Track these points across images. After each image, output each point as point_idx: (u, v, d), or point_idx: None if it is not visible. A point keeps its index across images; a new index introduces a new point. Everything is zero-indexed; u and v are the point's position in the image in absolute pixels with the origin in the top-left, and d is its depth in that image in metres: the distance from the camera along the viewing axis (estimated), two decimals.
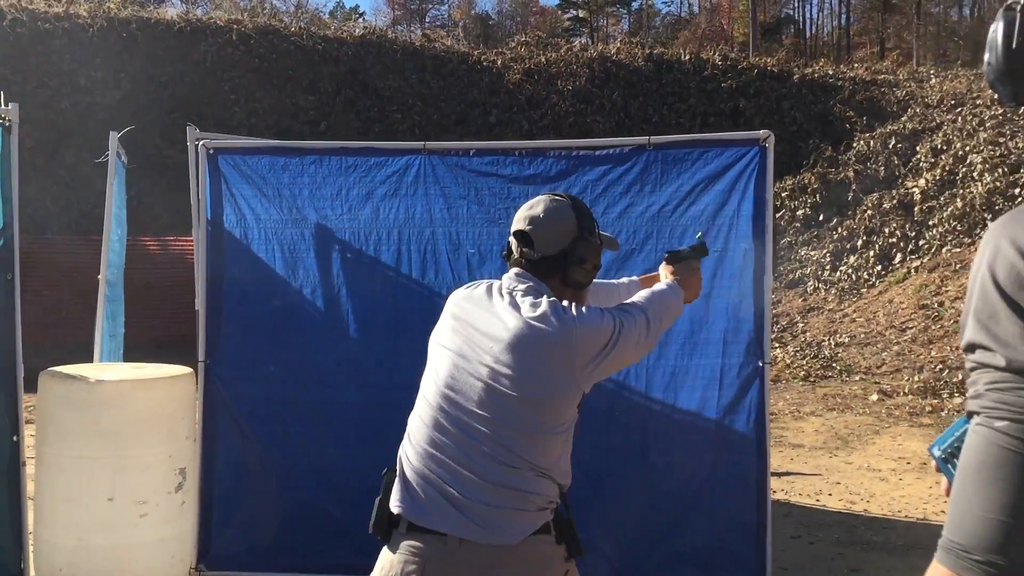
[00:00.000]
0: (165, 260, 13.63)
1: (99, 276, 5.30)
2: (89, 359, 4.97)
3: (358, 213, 4.40)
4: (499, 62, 21.32)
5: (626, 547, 4.26)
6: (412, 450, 2.23)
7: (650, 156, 4.26)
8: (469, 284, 2.42)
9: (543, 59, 21.45)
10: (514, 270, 2.34)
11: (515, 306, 2.22)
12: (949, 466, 1.18)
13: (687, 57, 22.03)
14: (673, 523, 4.26)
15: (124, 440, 3.95)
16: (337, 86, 19.36)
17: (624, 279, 2.94)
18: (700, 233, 2.79)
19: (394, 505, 2.21)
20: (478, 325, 2.24)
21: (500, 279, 2.36)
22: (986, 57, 1.17)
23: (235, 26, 19.31)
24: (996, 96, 1.23)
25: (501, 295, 2.27)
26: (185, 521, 4.22)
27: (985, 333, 0.96)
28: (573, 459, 2.34)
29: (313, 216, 4.42)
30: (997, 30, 1.13)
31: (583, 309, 2.23)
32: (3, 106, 4.01)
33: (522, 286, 2.27)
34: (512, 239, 2.36)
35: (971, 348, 0.98)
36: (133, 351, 6.14)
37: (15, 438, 4.04)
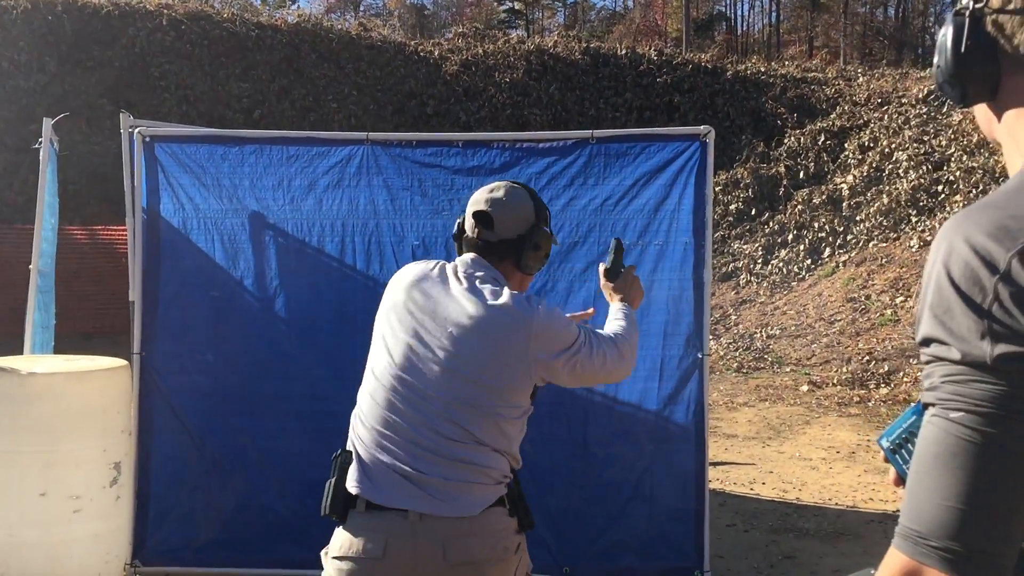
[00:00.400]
0: (93, 250, 13.26)
1: (30, 266, 5.14)
2: (20, 351, 4.83)
3: (300, 204, 4.36)
4: (436, 53, 21.20)
5: (567, 536, 4.30)
6: (366, 431, 2.25)
7: (593, 149, 4.29)
8: (417, 263, 2.42)
9: (480, 51, 21.40)
10: (469, 255, 2.37)
11: (475, 292, 2.25)
12: (897, 457, 1.22)
13: (623, 51, 22.19)
14: (613, 512, 4.31)
15: (56, 434, 3.85)
16: (271, 74, 19.04)
17: None
18: (614, 241, 2.80)
19: (351, 486, 2.22)
20: (436, 309, 2.25)
21: (453, 262, 2.39)
22: (935, 60, 1.21)
23: (165, 11, 18.83)
24: (945, 98, 1.27)
25: (459, 279, 2.29)
26: (120, 516, 4.14)
27: (940, 327, 0.99)
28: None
29: (254, 206, 4.36)
30: (946, 34, 1.17)
31: (550, 307, 2.29)
32: None
33: (480, 272, 2.31)
34: (470, 220, 2.38)
35: (926, 342, 1.02)
36: (61, 342, 5.98)
37: None
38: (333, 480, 2.26)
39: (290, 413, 4.38)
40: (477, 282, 2.28)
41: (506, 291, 2.26)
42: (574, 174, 4.29)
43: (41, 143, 4.93)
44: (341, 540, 2.21)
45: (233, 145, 4.38)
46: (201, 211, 4.37)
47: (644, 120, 19.34)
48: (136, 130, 4.38)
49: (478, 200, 2.38)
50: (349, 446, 2.29)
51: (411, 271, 2.38)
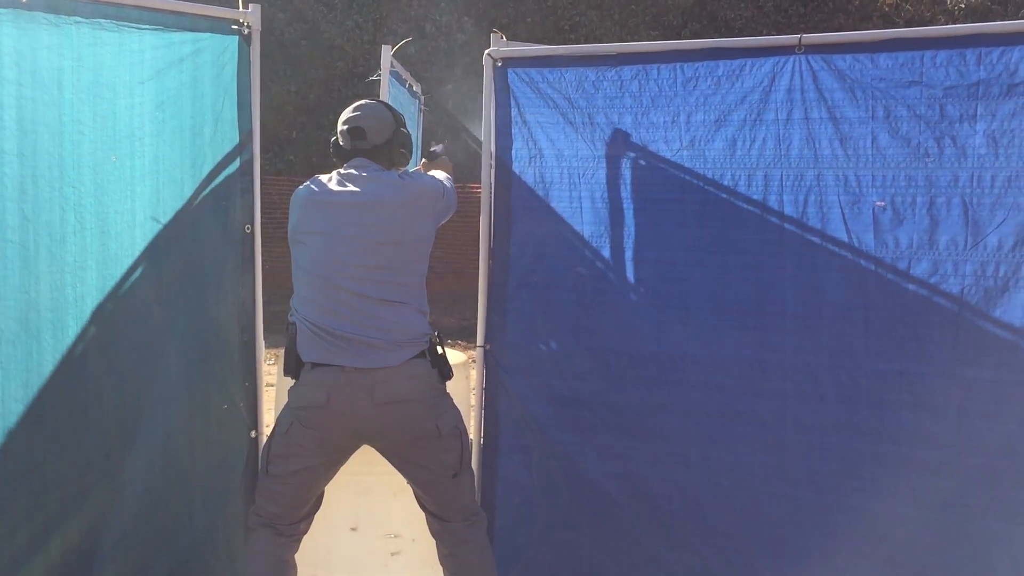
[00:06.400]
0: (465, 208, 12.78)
1: None
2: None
3: (703, 148, 3.05)
4: None
5: None
6: (308, 309, 2.80)
7: None
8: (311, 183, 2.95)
9: None
10: (358, 159, 2.95)
11: (383, 178, 2.92)
12: None
13: None
14: None
15: (370, 452, 2.93)
16: (683, 19, 17.83)
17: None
18: None
19: (303, 354, 2.78)
20: (344, 201, 2.86)
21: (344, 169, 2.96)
22: None
23: None
24: None
25: (362, 175, 2.91)
26: None
27: None
28: None
29: (636, 153, 3.14)
30: None
31: (421, 174, 3.14)
32: (242, 9, 3.11)
33: (373, 167, 2.94)
34: (344, 135, 2.96)
35: None
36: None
37: (252, 434, 3.18)
38: (286, 348, 2.81)
39: (681, 433, 3.18)
40: (375, 172, 2.92)
41: (395, 173, 2.96)
42: None
43: (380, 75, 4.09)
44: (297, 394, 2.78)
45: (608, 67, 3.16)
46: (565, 158, 3.23)
47: None
48: (486, 52, 3.34)
49: (347, 118, 2.95)
50: (292, 318, 2.83)
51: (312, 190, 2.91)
